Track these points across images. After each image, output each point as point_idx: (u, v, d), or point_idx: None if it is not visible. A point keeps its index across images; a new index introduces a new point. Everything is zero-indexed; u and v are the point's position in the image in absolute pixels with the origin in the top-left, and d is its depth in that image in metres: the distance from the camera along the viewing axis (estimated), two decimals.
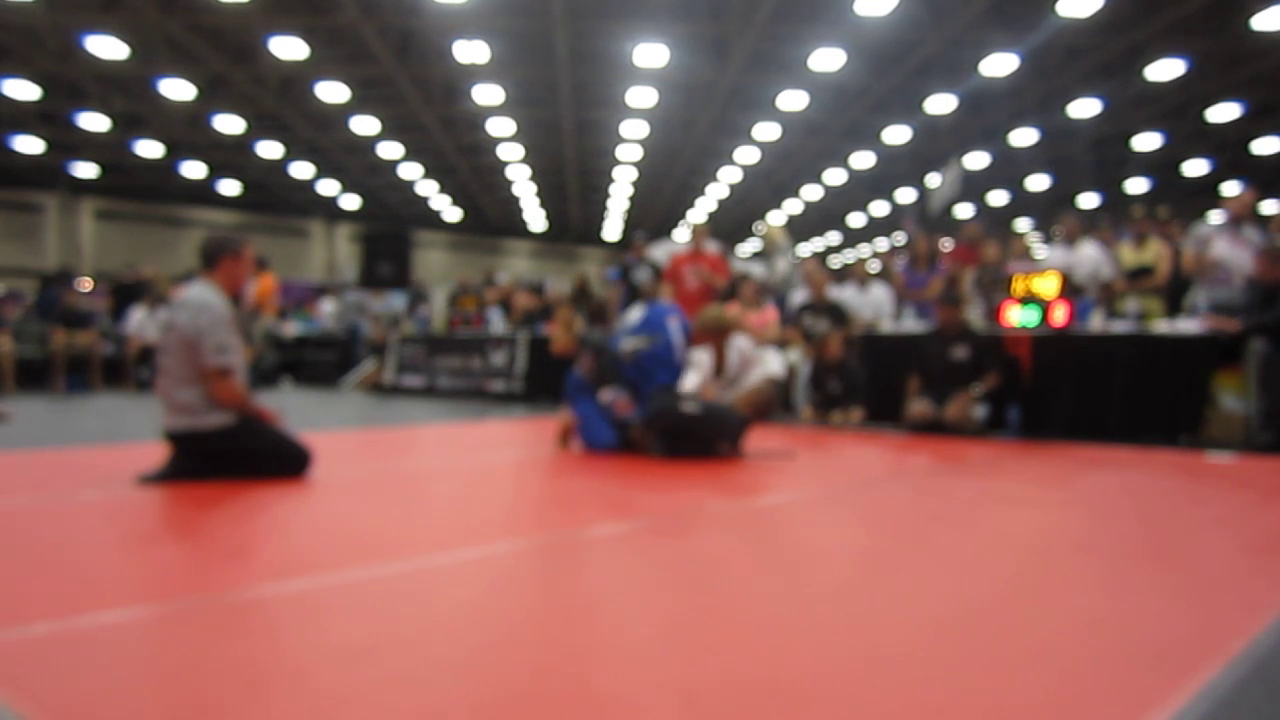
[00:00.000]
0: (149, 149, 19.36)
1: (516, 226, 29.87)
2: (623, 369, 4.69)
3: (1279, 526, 3.05)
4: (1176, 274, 6.81)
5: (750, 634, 1.71)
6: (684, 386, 4.91)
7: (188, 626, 1.73)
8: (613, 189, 24.10)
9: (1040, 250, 10.05)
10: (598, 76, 15.02)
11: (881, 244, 29.44)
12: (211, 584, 2.04)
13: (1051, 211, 24.56)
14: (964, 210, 23.02)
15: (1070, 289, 6.03)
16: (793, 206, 25.82)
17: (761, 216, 27.09)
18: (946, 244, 8.35)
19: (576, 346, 4.86)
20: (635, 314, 5.07)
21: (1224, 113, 15.95)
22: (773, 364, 6.93)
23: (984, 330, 6.20)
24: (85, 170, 21.38)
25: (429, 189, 24.25)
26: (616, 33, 13.04)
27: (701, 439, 4.45)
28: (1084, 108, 15.78)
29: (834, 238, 31.43)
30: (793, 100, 15.87)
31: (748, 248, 19.56)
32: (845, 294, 7.94)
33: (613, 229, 29.85)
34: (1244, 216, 6.34)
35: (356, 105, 16.56)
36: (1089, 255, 7.06)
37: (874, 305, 7.82)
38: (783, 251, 9.04)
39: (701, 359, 5.71)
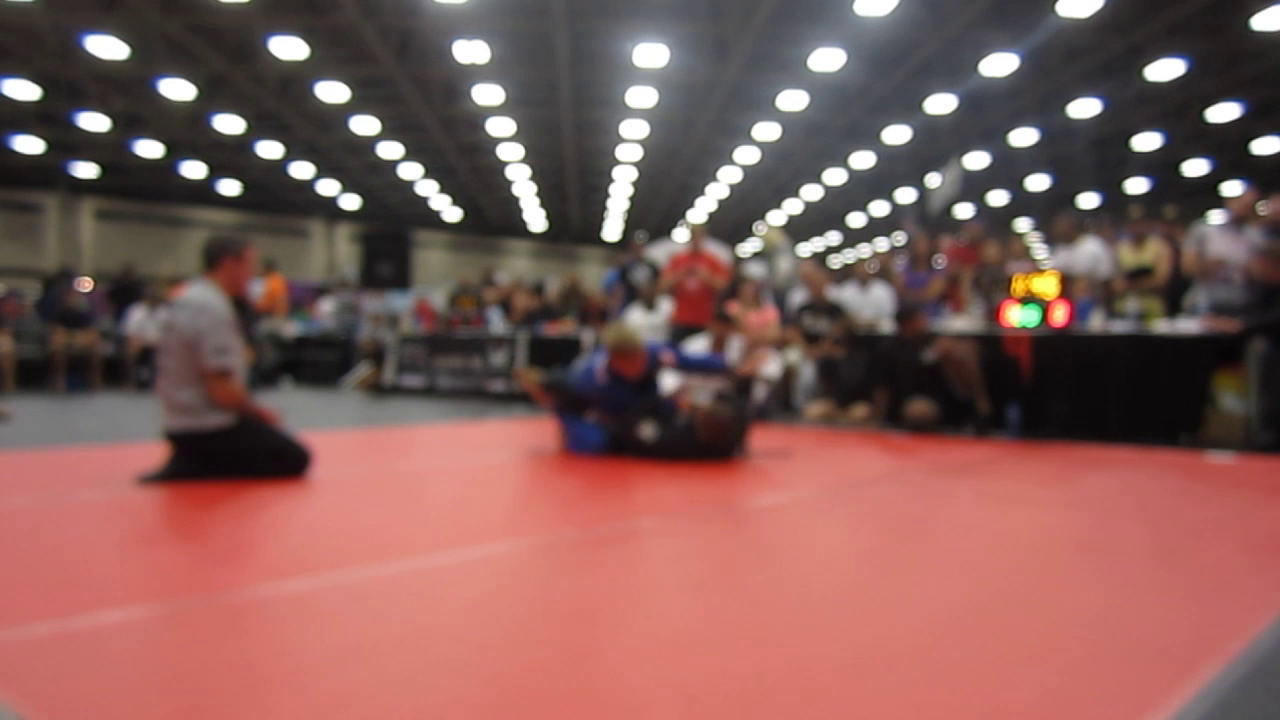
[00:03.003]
0: (149, 149, 19.36)
1: (516, 226, 29.87)
2: (586, 396, 4.65)
3: (1279, 526, 3.05)
4: (1176, 274, 6.81)
5: (750, 634, 1.71)
6: (662, 387, 4.86)
7: (188, 626, 1.73)
8: (613, 189, 24.10)
9: (1040, 250, 10.04)
10: (598, 76, 15.02)
11: (881, 244, 29.45)
12: (211, 584, 2.04)
13: (1051, 211, 24.57)
14: (964, 210, 23.03)
15: (1066, 283, 6.04)
16: (793, 206, 25.82)
17: (761, 216, 27.10)
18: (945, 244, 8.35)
19: (545, 390, 4.86)
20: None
21: (1224, 113, 15.95)
22: (769, 366, 6.95)
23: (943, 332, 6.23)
24: (85, 170, 21.38)
25: (429, 189, 24.24)
26: (616, 33, 13.04)
27: (666, 458, 4.33)
28: (1084, 108, 15.78)
29: (834, 238, 31.44)
30: (793, 100, 15.87)
31: (748, 248, 19.57)
32: (846, 294, 7.95)
33: (613, 229, 29.85)
34: (1246, 216, 6.35)
35: (356, 105, 16.56)
36: (1088, 251, 7.09)
37: (874, 305, 7.83)
38: (783, 252, 9.05)
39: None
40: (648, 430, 4.35)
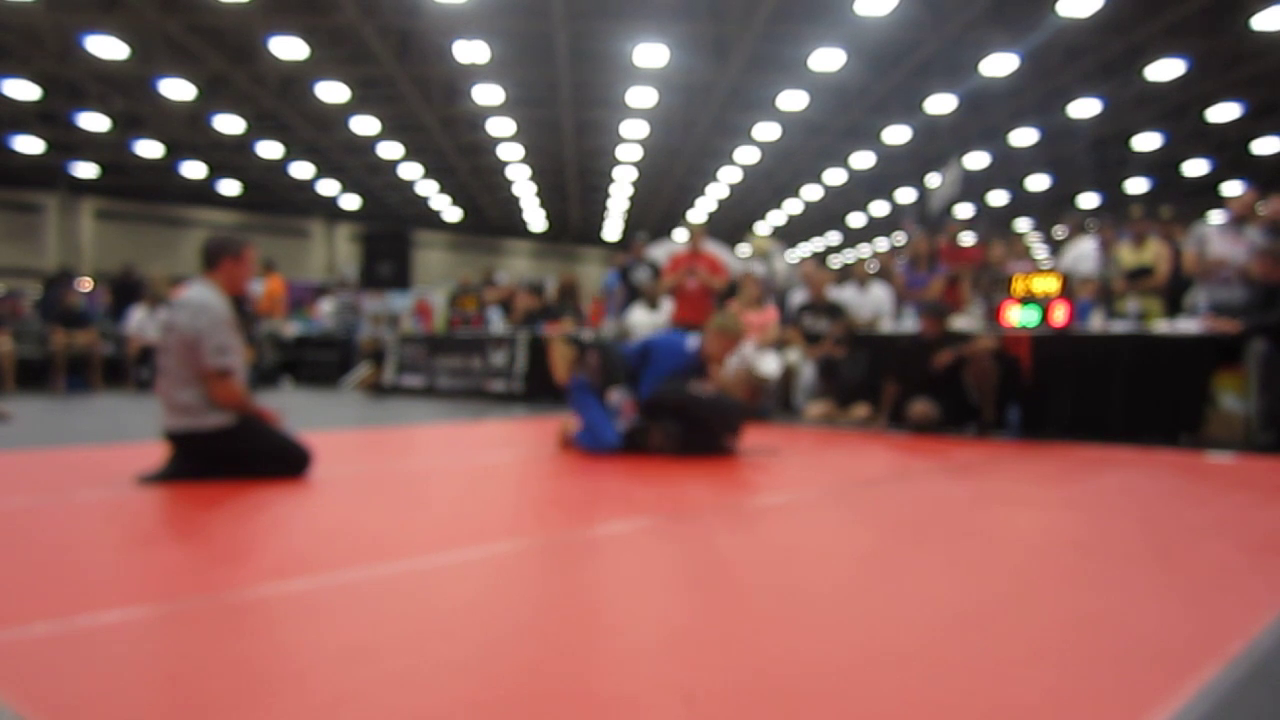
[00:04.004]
0: (149, 149, 19.36)
1: (516, 226, 29.87)
2: (629, 364, 4.70)
3: (1279, 526, 3.05)
4: (1176, 274, 6.81)
5: (751, 634, 1.71)
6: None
7: (188, 626, 1.73)
8: (613, 189, 24.10)
9: (1040, 250, 10.05)
10: (598, 76, 15.01)
11: (881, 244, 29.44)
12: (211, 584, 2.04)
13: (1051, 211, 24.56)
14: (964, 210, 23.02)
15: (1067, 283, 6.04)
16: (793, 206, 25.82)
17: (762, 216, 27.11)
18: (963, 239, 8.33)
19: (577, 356, 4.86)
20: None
21: (1224, 113, 15.95)
22: (768, 366, 6.95)
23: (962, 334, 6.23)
24: (85, 170, 21.38)
25: (429, 189, 24.24)
26: (616, 33, 13.04)
27: (708, 427, 4.49)
28: (1084, 108, 15.78)
29: (834, 238, 31.44)
30: (793, 100, 15.87)
31: (746, 249, 19.62)
32: (845, 294, 7.94)
33: (613, 229, 29.85)
34: (1246, 216, 6.35)
35: (356, 105, 16.56)
36: (1076, 250, 7.15)
37: (874, 305, 7.83)
38: (776, 254, 9.11)
39: None
40: (700, 389, 4.56)
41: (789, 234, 28.69)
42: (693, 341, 4.84)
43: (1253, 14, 11.71)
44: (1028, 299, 6.01)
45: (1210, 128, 16.92)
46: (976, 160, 19.16)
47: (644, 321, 8.18)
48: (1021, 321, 6.01)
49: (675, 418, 4.48)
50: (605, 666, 1.55)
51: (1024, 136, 17.84)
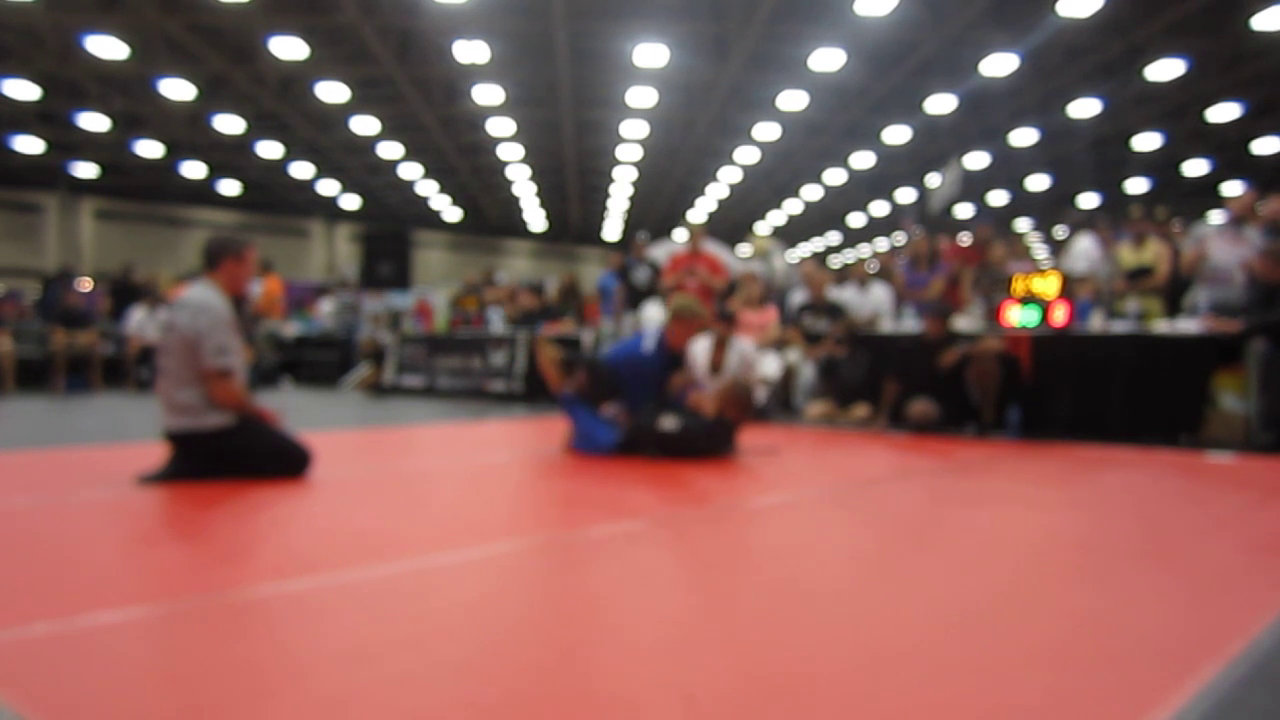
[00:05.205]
0: (149, 149, 19.35)
1: (516, 226, 29.86)
2: (616, 380, 4.63)
3: (1279, 526, 3.05)
4: (1176, 274, 6.82)
5: (751, 634, 1.71)
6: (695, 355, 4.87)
7: (188, 626, 1.73)
8: (613, 189, 24.10)
9: (1040, 250, 10.05)
10: (598, 76, 15.01)
11: (882, 244, 29.44)
12: (211, 584, 2.04)
13: (1051, 211, 24.54)
14: (964, 210, 23.01)
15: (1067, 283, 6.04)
16: (793, 206, 25.81)
17: (762, 216, 27.08)
18: (964, 239, 8.30)
19: (563, 360, 4.77)
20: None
21: (1224, 113, 15.94)
22: (768, 366, 6.95)
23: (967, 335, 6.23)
24: (85, 170, 21.38)
25: (429, 189, 24.24)
26: (616, 33, 13.04)
27: (695, 448, 4.41)
28: (1084, 108, 15.78)
29: (834, 238, 31.44)
30: (793, 100, 15.87)
31: (746, 249, 19.59)
32: (845, 294, 7.94)
33: (613, 229, 29.85)
34: (1245, 216, 6.35)
35: (356, 105, 16.56)
36: (1074, 250, 7.17)
37: (874, 305, 7.83)
38: (775, 254, 9.10)
39: (698, 356, 5.71)
40: (669, 422, 4.39)
41: (789, 234, 28.67)
42: (649, 339, 4.69)
43: (1253, 14, 11.71)
44: (1028, 299, 6.02)
45: (1210, 128, 16.92)
46: (976, 160, 19.15)
47: (657, 318, 8.15)
48: (1021, 321, 6.02)
49: (660, 448, 4.40)
50: (605, 666, 1.55)
51: (1024, 136, 17.83)
